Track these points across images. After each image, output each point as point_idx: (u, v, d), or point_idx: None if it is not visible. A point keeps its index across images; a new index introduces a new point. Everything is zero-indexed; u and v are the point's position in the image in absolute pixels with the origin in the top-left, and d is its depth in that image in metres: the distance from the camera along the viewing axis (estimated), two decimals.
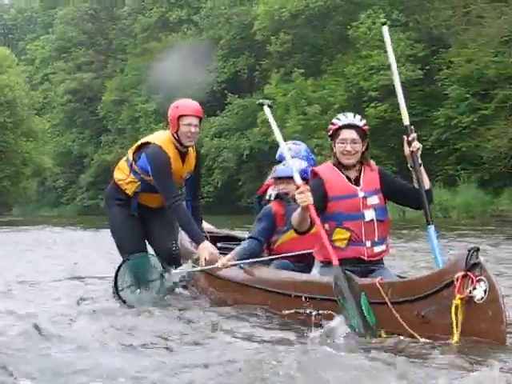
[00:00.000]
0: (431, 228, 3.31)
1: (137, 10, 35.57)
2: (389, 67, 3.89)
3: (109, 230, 4.80)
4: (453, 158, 20.59)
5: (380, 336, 2.79)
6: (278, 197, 4.05)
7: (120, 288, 3.75)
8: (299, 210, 3.25)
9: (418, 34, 23.40)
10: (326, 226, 3.29)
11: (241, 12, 29.78)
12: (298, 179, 3.39)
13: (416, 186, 3.34)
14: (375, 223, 3.33)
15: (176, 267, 4.09)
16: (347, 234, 3.29)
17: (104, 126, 38.67)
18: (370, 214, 3.32)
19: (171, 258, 4.23)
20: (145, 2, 35.88)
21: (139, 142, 4.29)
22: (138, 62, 34.51)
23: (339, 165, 3.38)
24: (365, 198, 3.32)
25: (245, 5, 30.13)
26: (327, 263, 3.31)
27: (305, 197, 3.14)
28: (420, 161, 3.37)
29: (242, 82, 29.22)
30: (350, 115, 3.42)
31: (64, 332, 2.98)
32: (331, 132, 3.38)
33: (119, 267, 3.76)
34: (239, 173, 27.98)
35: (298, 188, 3.28)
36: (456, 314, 2.60)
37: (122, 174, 4.30)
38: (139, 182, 4.21)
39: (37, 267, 6.77)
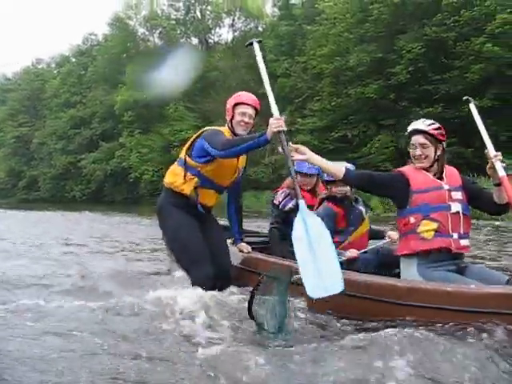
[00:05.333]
0: None
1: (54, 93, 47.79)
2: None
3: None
4: None
5: None
6: (329, 198, 3.56)
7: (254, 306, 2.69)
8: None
9: None
10: (412, 218, 2.90)
11: (110, 99, 39.33)
12: None
13: (496, 199, 2.89)
14: (461, 216, 2.91)
15: (227, 282, 3.47)
16: (434, 225, 2.87)
17: (33, 156, 50.17)
18: (456, 207, 2.91)
19: (227, 275, 3.54)
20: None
21: (196, 135, 3.55)
22: (53, 123, 46.32)
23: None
24: (449, 190, 2.93)
25: (112, 95, 39.03)
26: (423, 257, 2.85)
27: None
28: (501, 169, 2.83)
29: (108, 135, 40.35)
30: (419, 121, 3.00)
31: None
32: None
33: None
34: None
35: None
36: None
37: (175, 176, 3.59)
38: (196, 178, 3.50)
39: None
